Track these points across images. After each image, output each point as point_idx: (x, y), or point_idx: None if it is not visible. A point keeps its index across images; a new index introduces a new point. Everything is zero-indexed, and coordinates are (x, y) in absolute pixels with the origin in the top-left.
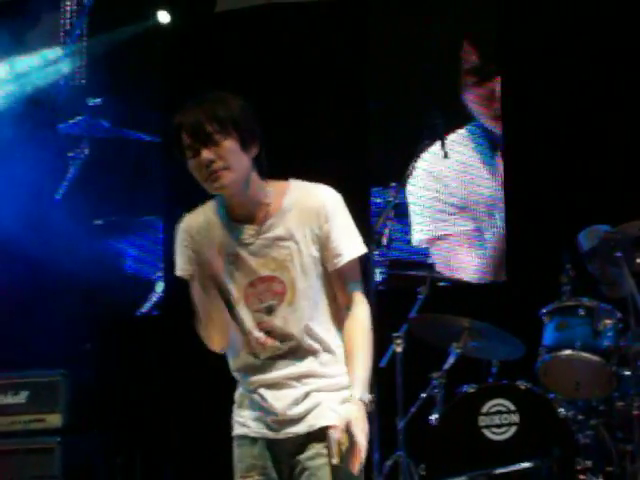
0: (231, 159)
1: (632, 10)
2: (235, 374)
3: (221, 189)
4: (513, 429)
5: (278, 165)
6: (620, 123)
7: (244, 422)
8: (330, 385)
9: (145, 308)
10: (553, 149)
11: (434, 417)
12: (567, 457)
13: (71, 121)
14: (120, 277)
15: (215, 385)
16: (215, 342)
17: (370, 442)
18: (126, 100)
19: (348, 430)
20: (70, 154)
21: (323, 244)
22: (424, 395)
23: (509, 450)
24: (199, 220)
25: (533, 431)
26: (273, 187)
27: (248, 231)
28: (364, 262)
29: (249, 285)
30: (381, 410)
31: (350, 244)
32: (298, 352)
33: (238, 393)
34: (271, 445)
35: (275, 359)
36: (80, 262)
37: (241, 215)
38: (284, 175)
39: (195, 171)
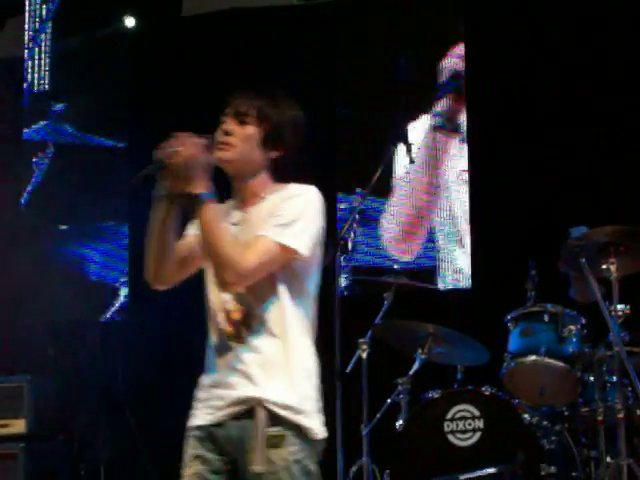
0: (242, 142)
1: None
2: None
3: (218, 159)
4: (478, 435)
5: None
6: (587, 129)
7: (194, 413)
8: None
9: (109, 314)
10: (518, 154)
11: (399, 423)
12: (532, 463)
13: (35, 126)
14: (84, 283)
15: (180, 391)
16: (149, 270)
17: (334, 448)
18: (91, 105)
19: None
20: (34, 159)
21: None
22: (389, 401)
23: (474, 456)
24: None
25: (498, 437)
26: (276, 185)
27: (236, 216)
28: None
29: None
30: (346, 416)
31: (288, 230)
32: (250, 344)
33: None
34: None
35: (233, 343)
36: (44, 267)
37: (239, 202)
38: None
39: (217, 133)
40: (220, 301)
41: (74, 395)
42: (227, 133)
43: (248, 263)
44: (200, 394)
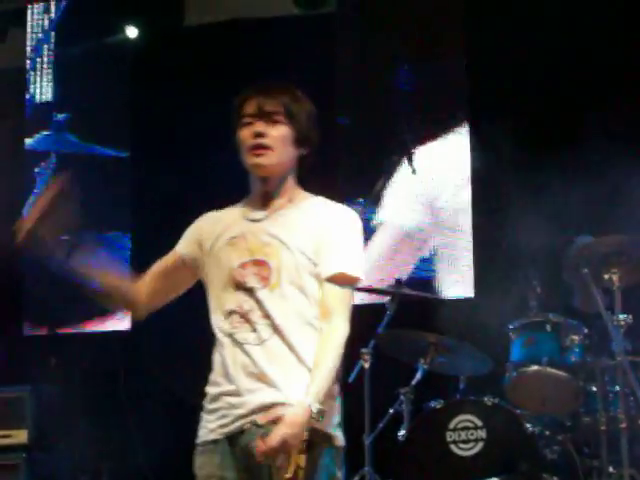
0: (279, 143)
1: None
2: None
3: (258, 166)
4: (480, 445)
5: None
6: (592, 137)
7: (207, 426)
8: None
9: (111, 323)
10: (522, 162)
11: (401, 433)
12: (534, 473)
13: (37, 136)
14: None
15: (182, 401)
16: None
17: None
18: (93, 115)
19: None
20: (37, 169)
21: (320, 251)
22: (392, 411)
23: (476, 466)
24: (217, 214)
25: (500, 447)
26: (301, 192)
27: (258, 214)
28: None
29: (241, 266)
30: (348, 426)
31: (346, 261)
32: (267, 344)
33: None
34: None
35: (245, 345)
36: (46, 277)
37: (262, 202)
38: None
39: (243, 140)
40: (237, 305)
41: (75, 405)
42: (261, 135)
43: (346, 327)
44: (211, 405)
